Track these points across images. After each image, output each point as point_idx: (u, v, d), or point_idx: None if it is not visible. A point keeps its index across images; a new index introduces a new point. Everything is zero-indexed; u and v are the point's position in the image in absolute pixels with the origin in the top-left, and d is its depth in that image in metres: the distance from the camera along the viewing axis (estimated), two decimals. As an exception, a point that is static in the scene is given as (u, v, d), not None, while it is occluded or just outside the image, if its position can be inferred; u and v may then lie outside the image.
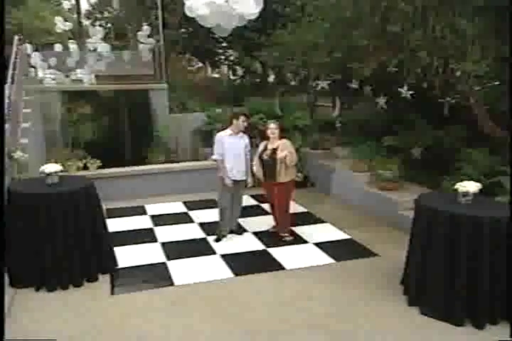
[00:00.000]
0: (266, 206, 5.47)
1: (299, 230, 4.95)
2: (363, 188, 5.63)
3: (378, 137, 5.94)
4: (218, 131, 4.67)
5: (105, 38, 8.78)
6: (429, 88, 4.69)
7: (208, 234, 4.85)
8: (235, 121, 4.47)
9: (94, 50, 7.91)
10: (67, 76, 7.33)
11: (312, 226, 5.12)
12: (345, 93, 6.79)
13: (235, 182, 4.53)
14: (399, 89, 5.15)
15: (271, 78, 8.14)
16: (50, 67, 7.40)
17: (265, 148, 4.51)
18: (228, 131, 4.51)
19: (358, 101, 6.91)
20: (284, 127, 4.72)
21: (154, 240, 4.68)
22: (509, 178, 4.23)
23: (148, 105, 7.15)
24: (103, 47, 7.77)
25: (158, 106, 7.21)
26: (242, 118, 4.43)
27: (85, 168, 6.07)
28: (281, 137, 4.52)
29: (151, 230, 5.00)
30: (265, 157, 4.42)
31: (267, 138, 4.55)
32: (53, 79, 7.03)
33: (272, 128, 4.48)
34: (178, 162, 6.79)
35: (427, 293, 3.23)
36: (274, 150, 4.42)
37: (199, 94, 8.32)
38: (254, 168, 4.55)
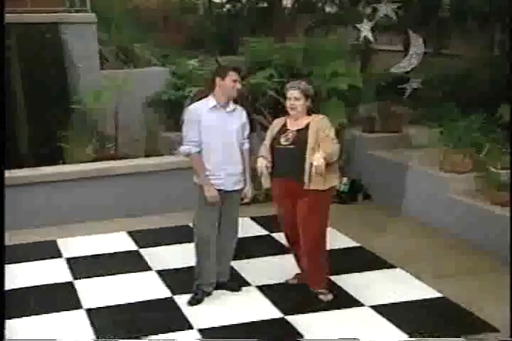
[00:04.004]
0: (280, 236, 5.46)
1: (345, 282, 4.99)
2: (462, 201, 5.68)
3: (490, 108, 6.08)
4: (192, 101, 4.70)
5: None
6: None
7: (176, 292, 4.88)
8: (219, 82, 4.52)
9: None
10: None
11: (369, 274, 5.19)
12: (427, 26, 6.81)
13: (224, 194, 4.58)
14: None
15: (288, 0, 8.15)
16: None
17: (282, 129, 4.58)
18: (210, 101, 4.57)
19: (450, 41, 6.91)
20: (315, 92, 4.69)
21: (74, 305, 4.73)
22: None
23: (59, 53, 7.13)
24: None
25: (80, 55, 7.22)
26: (231, 75, 4.49)
27: None
28: (309, 111, 4.57)
29: (67, 287, 5.05)
30: (284, 143, 4.51)
31: (284, 113, 4.66)
32: None
33: (294, 96, 4.51)
34: (119, 158, 6.82)
35: None
36: (301, 132, 4.48)
37: (156, 31, 8.45)
38: (258, 163, 4.57)
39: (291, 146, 4.48)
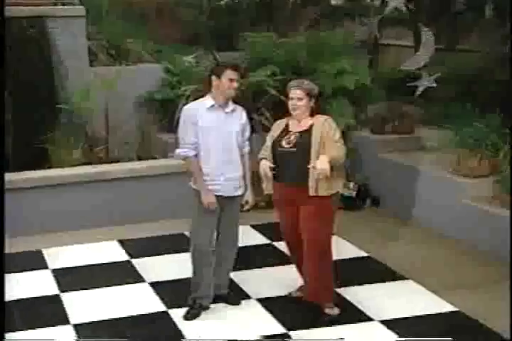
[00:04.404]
0: (283, 245, 5.42)
1: (353, 294, 4.99)
2: (479, 208, 5.68)
3: (508, 107, 6.09)
4: (188, 101, 4.69)
5: None
6: None
7: (171, 305, 4.88)
8: (216, 81, 4.53)
9: None
10: None
11: (378, 286, 5.20)
12: (440, 20, 6.86)
13: (223, 200, 4.59)
14: None
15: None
16: None
17: (284, 131, 4.58)
18: (207, 100, 4.59)
19: (464, 36, 6.92)
20: (319, 91, 4.69)
21: (60, 320, 4.71)
22: None
23: (46, 49, 7.12)
24: None
25: (68, 51, 7.22)
26: (228, 74, 4.49)
27: None
28: (314, 111, 4.57)
29: (54, 301, 5.04)
30: (286, 146, 4.50)
31: (286, 113, 4.66)
32: None
33: (296, 95, 4.51)
34: (110, 162, 6.83)
35: None
36: (304, 134, 4.48)
37: (150, 27, 8.40)
38: (262, 165, 4.55)
39: (293, 149, 4.48)
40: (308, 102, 4.51)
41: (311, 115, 4.55)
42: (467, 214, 5.82)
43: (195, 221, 4.63)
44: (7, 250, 5.86)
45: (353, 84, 6.95)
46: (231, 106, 4.61)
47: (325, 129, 4.44)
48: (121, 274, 5.47)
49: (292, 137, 4.51)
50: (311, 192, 4.42)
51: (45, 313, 4.83)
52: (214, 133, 4.51)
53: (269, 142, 4.62)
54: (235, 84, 4.52)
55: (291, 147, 4.49)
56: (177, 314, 4.71)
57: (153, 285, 5.24)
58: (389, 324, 4.55)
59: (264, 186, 4.69)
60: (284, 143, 4.52)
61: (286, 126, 4.61)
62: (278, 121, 4.73)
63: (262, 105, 6.96)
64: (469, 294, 4.97)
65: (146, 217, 6.56)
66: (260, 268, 5.53)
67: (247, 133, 4.72)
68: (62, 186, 6.39)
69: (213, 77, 4.51)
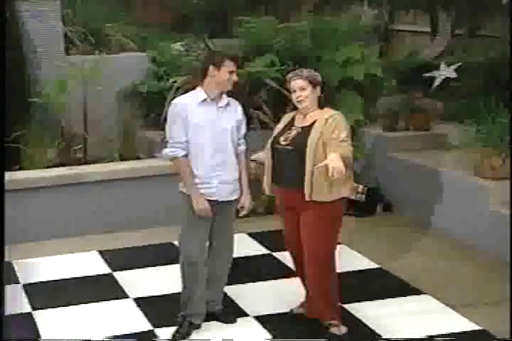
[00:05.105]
0: (284, 255, 5.47)
1: (362, 311, 4.99)
2: (506, 214, 5.65)
3: None
4: (177, 94, 4.68)
5: None
6: None
7: (158, 324, 4.89)
8: (214, 72, 4.53)
9: None
10: None
11: (390, 301, 5.20)
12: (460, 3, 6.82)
13: (216, 205, 4.62)
14: None
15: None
16: None
17: (288, 126, 4.62)
18: (198, 93, 4.60)
19: (486, 18, 6.92)
20: (325, 83, 4.70)
21: None
22: None
23: (16, 35, 7.09)
24: None
25: (41, 37, 7.22)
26: (228, 65, 4.52)
27: None
28: (321, 103, 4.57)
29: (25, 319, 5.04)
30: (283, 142, 4.53)
31: (286, 107, 4.72)
32: None
33: (298, 85, 4.50)
34: (89, 163, 6.84)
35: None
36: (304, 131, 4.48)
37: (133, 10, 8.50)
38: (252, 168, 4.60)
39: (289, 147, 4.48)
40: (313, 91, 4.50)
41: (320, 108, 4.54)
42: (492, 221, 5.80)
43: (185, 229, 4.63)
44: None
45: (362, 74, 6.97)
46: (225, 100, 4.61)
47: (327, 128, 4.41)
48: (101, 289, 5.46)
49: (293, 133, 4.52)
50: (307, 197, 4.40)
51: (15, 333, 4.78)
52: (206, 130, 4.51)
53: (270, 139, 4.64)
54: (235, 77, 4.53)
55: (287, 144, 4.50)
56: (165, 334, 4.70)
57: (137, 301, 5.23)
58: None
59: (264, 185, 4.70)
60: (281, 139, 4.53)
61: (292, 119, 4.63)
62: (286, 115, 4.73)
63: (260, 99, 6.95)
64: (494, 311, 4.94)
65: (130, 225, 6.59)
66: (258, 281, 5.53)
67: (243, 130, 4.73)
68: (34, 190, 6.39)
69: (211, 68, 4.50)
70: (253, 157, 4.80)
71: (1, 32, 5.45)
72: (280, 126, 4.65)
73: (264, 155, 4.69)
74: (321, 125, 4.43)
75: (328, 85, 5.82)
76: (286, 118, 4.68)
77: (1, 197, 4.68)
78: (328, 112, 4.52)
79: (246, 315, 4.97)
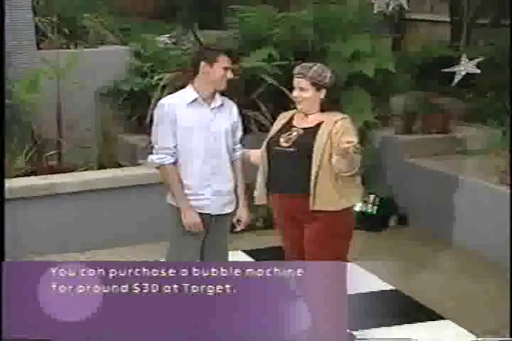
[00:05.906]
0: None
1: (375, 338, 5.02)
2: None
3: None
4: (162, 92, 4.67)
5: None
6: None
7: None
8: (207, 68, 4.55)
9: None
10: None
11: (407, 327, 5.20)
12: None
13: (209, 219, 4.63)
14: None
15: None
16: None
17: (286, 126, 4.63)
18: (188, 92, 4.62)
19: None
20: (336, 84, 4.70)
21: None
22: None
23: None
24: None
25: (9, 29, 7.16)
26: (222, 60, 4.54)
27: None
28: (323, 106, 4.57)
29: None
30: (284, 144, 4.52)
31: (287, 107, 4.76)
32: None
33: (299, 86, 4.52)
34: (64, 171, 6.86)
35: None
36: (308, 132, 4.49)
37: None
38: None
39: (292, 149, 4.48)
40: (315, 94, 4.50)
41: (322, 110, 4.54)
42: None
43: (173, 245, 4.66)
44: None
45: (373, 70, 6.98)
46: (218, 100, 4.62)
47: (336, 131, 4.42)
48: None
49: (294, 134, 4.52)
50: (311, 206, 4.40)
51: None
52: (197, 134, 4.53)
53: (265, 140, 4.66)
54: (230, 75, 4.55)
55: (289, 146, 4.49)
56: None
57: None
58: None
59: (256, 192, 4.70)
60: (282, 140, 4.53)
61: (291, 119, 4.64)
62: (283, 114, 4.75)
63: (257, 98, 6.98)
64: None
65: (111, 241, 6.60)
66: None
67: (239, 134, 4.75)
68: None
69: (203, 63, 4.51)
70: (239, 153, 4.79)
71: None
72: (277, 125, 4.66)
73: (257, 157, 4.70)
74: (329, 127, 4.44)
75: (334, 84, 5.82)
76: (283, 118, 4.70)
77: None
78: (335, 115, 4.53)
79: None
